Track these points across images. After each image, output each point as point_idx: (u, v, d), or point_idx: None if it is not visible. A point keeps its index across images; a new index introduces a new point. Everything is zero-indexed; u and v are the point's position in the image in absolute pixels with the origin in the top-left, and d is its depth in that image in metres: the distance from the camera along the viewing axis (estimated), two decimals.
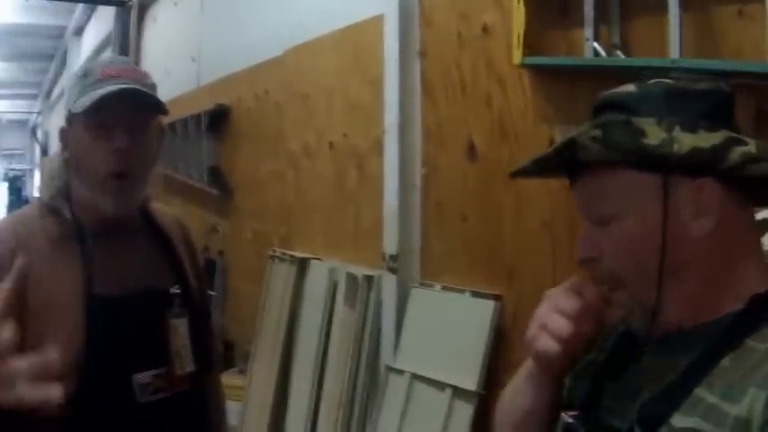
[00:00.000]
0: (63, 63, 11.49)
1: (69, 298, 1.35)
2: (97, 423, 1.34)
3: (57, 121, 12.53)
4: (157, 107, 1.49)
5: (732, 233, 0.90)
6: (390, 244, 2.95)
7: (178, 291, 1.47)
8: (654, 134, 0.86)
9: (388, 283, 2.94)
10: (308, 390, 3.33)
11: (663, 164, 0.87)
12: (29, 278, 1.30)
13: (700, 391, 0.83)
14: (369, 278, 3.05)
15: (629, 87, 0.94)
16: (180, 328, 1.44)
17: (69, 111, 1.45)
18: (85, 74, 1.46)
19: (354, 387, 3.04)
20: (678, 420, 0.83)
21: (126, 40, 7.24)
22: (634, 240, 0.90)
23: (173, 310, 1.45)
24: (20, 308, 1.27)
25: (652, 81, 0.94)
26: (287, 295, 3.64)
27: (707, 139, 0.86)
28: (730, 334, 0.86)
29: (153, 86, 1.52)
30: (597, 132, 0.88)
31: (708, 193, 0.88)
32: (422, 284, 2.86)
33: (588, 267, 0.94)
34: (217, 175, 4.80)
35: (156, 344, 1.42)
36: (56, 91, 13.48)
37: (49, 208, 1.45)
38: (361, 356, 3.04)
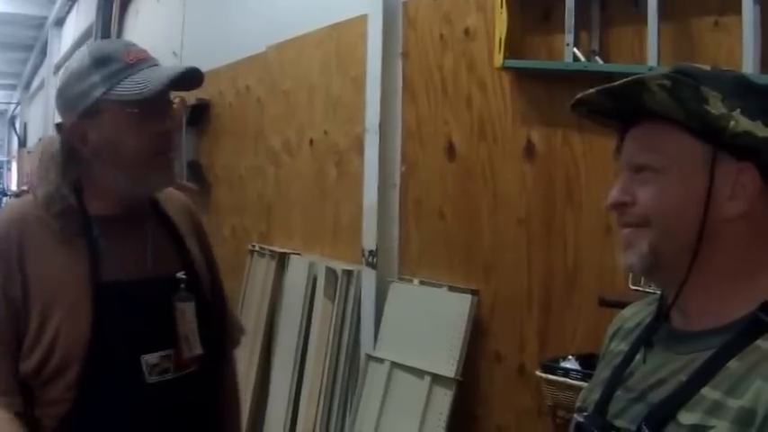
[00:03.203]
0: (43, 54, 11.36)
1: (76, 286, 1.38)
2: (107, 401, 1.38)
3: (36, 111, 12.42)
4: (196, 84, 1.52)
5: (759, 228, 0.94)
6: (369, 240, 2.99)
7: (184, 276, 1.50)
8: (716, 106, 0.91)
9: (368, 278, 2.99)
10: (289, 378, 3.38)
11: (716, 135, 0.91)
12: (35, 271, 1.38)
13: (705, 391, 0.87)
14: (348, 273, 3.10)
15: (704, 66, 0.98)
16: (187, 312, 1.48)
17: (97, 99, 1.39)
18: (103, 60, 1.41)
19: (335, 375, 3.09)
20: (684, 417, 0.88)
21: (107, 32, 7.20)
22: (672, 197, 0.93)
23: (179, 294, 1.48)
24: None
25: (725, 68, 1.00)
26: (267, 289, 3.68)
27: (762, 130, 0.91)
28: (739, 338, 0.89)
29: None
30: (666, 82, 0.92)
31: (747, 177, 0.92)
32: (400, 279, 2.91)
33: (618, 211, 0.98)
34: (196, 170, 4.81)
35: (163, 327, 1.45)
36: (35, 82, 13.34)
37: (51, 199, 1.43)
38: (341, 346, 3.09)
